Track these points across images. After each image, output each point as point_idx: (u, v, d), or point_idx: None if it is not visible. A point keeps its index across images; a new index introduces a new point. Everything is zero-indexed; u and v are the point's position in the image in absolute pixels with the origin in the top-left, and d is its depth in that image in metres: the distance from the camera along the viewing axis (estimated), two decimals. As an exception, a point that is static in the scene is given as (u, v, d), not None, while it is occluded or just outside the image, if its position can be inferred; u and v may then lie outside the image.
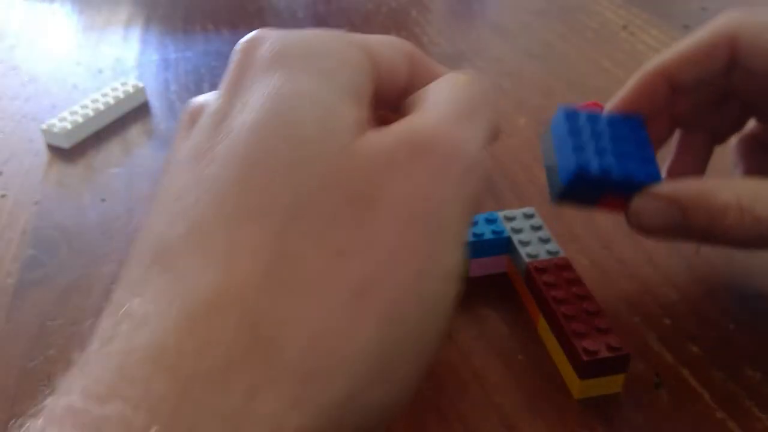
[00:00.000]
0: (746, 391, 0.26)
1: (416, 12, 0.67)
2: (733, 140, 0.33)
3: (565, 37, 0.62)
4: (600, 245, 0.34)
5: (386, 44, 0.20)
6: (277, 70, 0.18)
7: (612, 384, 0.26)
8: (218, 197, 0.16)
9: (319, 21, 0.65)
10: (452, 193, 0.17)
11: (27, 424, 0.13)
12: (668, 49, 0.29)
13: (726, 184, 0.25)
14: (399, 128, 0.17)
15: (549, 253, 0.30)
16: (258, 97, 0.17)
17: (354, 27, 0.63)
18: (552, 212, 0.33)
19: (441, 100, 0.19)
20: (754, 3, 0.72)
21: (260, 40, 0.19)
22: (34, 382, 0.27)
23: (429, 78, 0.20)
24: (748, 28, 0.27)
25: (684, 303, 0.31)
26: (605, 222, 0.36)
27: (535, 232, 0.31)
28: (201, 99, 0.21)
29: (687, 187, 0.26)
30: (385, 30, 0.63)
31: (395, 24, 0.64)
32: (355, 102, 0.18)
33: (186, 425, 0.13)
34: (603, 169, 0.26)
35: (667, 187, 0.26)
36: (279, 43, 0.19)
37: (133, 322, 0.14)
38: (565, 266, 0.29)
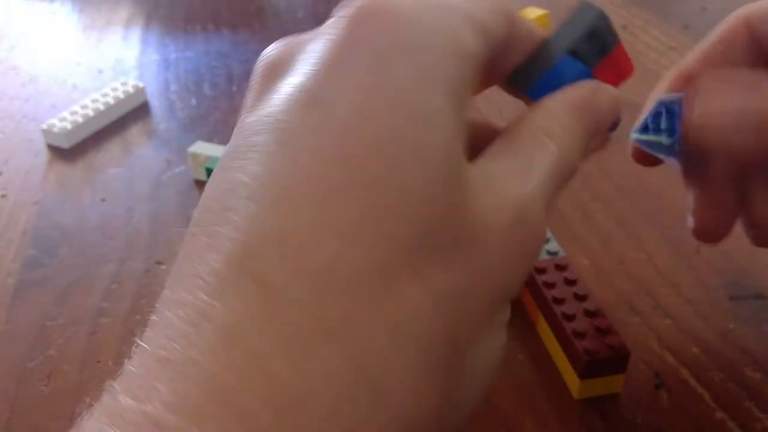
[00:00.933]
0: (746, 391, 0.26)
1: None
2: None
3: (565, 37, 0.62)
4: (600, 245, 0.34)
5: (490, 9, 0.17)
6: (382, 61, 0.15)
7: (612, 384, 0.26)
8: (315, 206, 0.14)
9: (319, 21, 0.65)
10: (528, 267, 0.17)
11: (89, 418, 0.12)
12: (690, 52, 0.28)
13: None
14: (510, 204, 0.16)
15: (549, 253, 0.30)
16: (362, 96, 0.15)
17: (354, 27, 0.63)
18: (552, 212, 0.33)
19: (538, 167, 0.17)
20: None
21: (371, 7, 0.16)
22: (34, 382, 0.27)
23: (523, 38, 0.19)
24: (759, 13, 0.25)
25: (684, 303, 0.31)
26: (605, 222, 0.36)
27: (535, 232, 0.31)
28: (276, 51, 0.17)
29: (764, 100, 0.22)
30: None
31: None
32: (456, 107, 0.15)
33: None
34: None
35: (737, 99, 0.23)
36: (391, 22, 0.15)
37: (217, 333, 0.13)
38: (564, 266, 0.29)
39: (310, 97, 0.15)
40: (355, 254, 0.13)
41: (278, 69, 0.16)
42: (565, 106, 0.18)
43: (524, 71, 0.20)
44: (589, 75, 0.21)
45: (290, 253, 0.13)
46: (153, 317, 0.14)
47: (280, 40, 0.18)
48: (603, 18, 0.21)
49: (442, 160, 0.14)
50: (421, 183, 0.14)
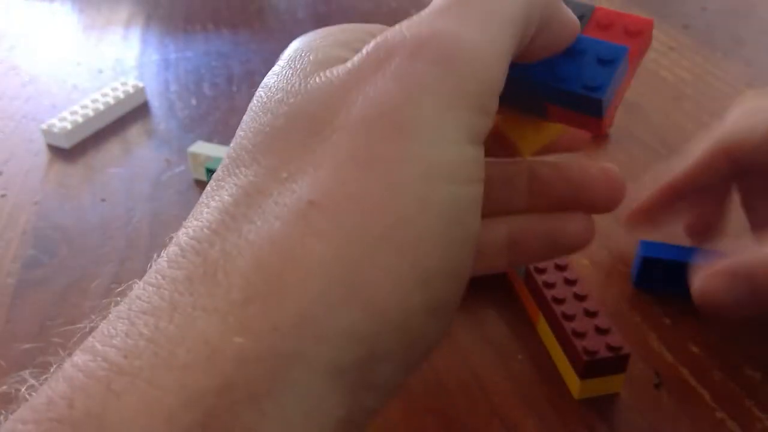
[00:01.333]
0: (746, 391, 0.26)
1: (416, 12, 0.67)
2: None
3: (565, 37, 0.62)
4: (600, 245, 0.34)
5: None
6: None
7: (612, 384, 0.26)
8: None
9: (319, 21, 0.65)
10: (418, 89, 0.15)
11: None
12: (674, 168, 0.31)
13: None
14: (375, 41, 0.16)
15: (549, 253, 0.30)
16: None
17: (354, 27, 0.63)
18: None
19: None
20: (754, 5, 0.73)
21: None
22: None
23: (560, 28, 0.18)
24: (740, 144, 0.29)
25: (684, 303, 0.30)
26: (605, 222, 0.36)
27: (535, 232, 0.31)
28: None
29: (751, 256, 0.24)
30: (385, 30, 0.63)
31: (395, 24, 0.64)
32: None
33: (124, 351, 0.13)
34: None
35: (723, 262, 0.24)
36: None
37: None
38: (564, 266, 0.29)
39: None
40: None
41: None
42: None
43: None
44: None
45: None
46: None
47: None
48: None
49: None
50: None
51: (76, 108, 0.46)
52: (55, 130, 0.44)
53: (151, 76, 0.54)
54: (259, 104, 0.17)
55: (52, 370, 0.14)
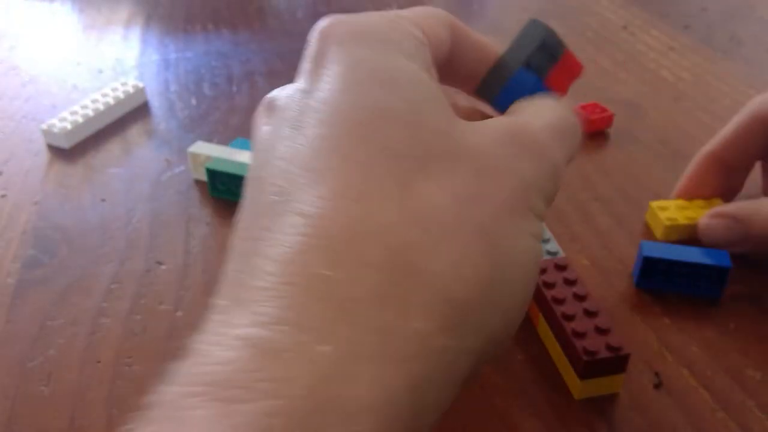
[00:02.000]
0: (747, 392, 0.26)
1: (416, 12, 0.67)
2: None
3: (565, 37, 0.61)
4: (600, 245, 0.34)
5: (431, 17, 0.22)
6: (360, 47, 0.19)
7: (612, 384, 0.26)
8: (337, 149, 0.17)
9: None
10: (540, 185, 0.19)
11: (194, 347, 0.14)
12: (715, 136, 0.35)
13: None
14: (507, 120, 0.20)
15: (549, 253, 0.30)
16: (345, 69, 0.18)
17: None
18: (552, 212, 0.33)
19: (542, 114, 0.21)
20: (754, 5, 0.73)
21: (335, 23, 0.20)
22: (34, 382, 0.27)
23: (470, 46, 0.23)
24: None
25: (684, 303, 0.31)
26: (605, 222, 0.36)
27: (535, 232, 0.31)
28: (275, 92, 0.21)
29: (745, 205, 0.32)
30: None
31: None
32: (433, 76, 0.20)
33: (344, 339, 0.14)
34: None
35: (730, 206, 0.33)
36: (355, 24, 0.20)
37: (284, 251, 0.15)
38: (564, 266, 0.29)
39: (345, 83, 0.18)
40: (374, 169, 0.16)
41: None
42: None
43: (487, 83, 0.24)
44: (542, 85, 0.24)
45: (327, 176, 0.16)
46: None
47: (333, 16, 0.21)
48: (550, 31, 0.24)
49: (426, 91, 0.19)
50: (408, 108, 0.18)
51: (76, 108, 0.46)
52: (55, 130, 0.44)
53: (151, 76, 0.54)
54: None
55: None
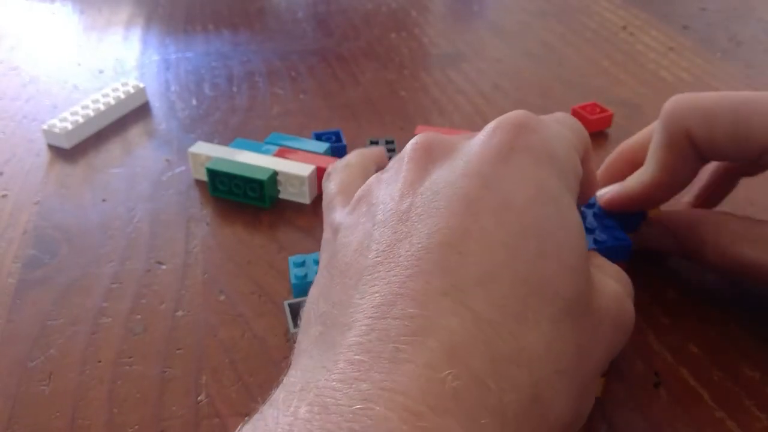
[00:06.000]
0: (746, 391, 0.26)
1: (416, 12, 0.67)
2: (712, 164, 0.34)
3: (565, 37, 0.62)
4: (600, 245, 0.34)
5: (585, 139, 0.24)
6: (544, 169, 0.20)
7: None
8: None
9: (319, 21, 0.65)
10: (614, 353, 0.22)
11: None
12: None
13: (710, 217, 0.29)
14: (617, 292, 0.22)
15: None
16: (534, 190, 0.19)
17: (354, 27, 0.63)
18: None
19: (620, 279, 0.23)
20: (753, 5, 0.73)
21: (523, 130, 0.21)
22: (34, 382, 0.27)
23: (586, 175, 0.24)
24: (696, 120, 0.28)
25: (684, 303, 0.31)
26: (605, 222, 0.36)
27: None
28: (364, 188, 0.22)
29: (678, 217, 0.31)
30: (385, 30, 0.63)
31: (395, 24, 0.64)
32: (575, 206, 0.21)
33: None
34: None
35: (664, 214, 0.31)
36: (544, 141, 0.21)
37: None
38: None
39: (483, 179, 0.19)
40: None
41: (436, 153, 0.21)
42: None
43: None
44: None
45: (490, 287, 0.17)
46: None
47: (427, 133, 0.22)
48: None
49: (579, 247, 0.19)
50: (569, 258, 0.19)
51: (76, 108, 0.46)
52: (56, 130, 0.44)
53: (152, 77, 0.54)
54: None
55: None
